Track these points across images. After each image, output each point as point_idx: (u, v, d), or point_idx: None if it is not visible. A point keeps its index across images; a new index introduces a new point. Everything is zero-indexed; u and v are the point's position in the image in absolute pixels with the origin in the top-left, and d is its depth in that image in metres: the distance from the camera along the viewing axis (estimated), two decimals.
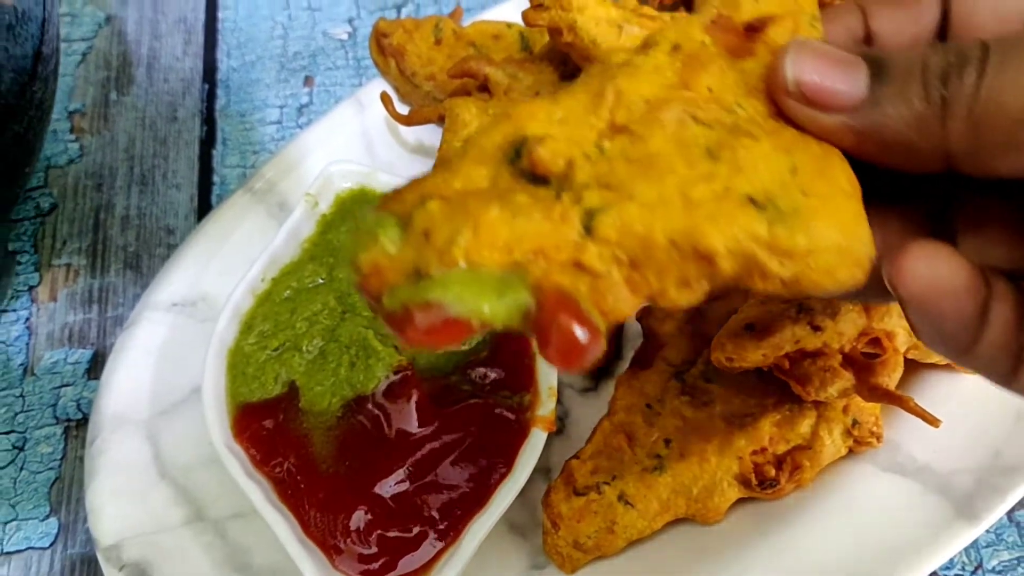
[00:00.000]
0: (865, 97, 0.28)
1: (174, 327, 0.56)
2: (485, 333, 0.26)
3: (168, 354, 0.55)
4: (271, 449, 0.49)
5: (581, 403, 0.53)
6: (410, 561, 0.46)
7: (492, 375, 0.50)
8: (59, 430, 0.57)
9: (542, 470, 0.49)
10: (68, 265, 0.64)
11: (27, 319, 0.61)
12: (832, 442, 0.46)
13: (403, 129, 0.63)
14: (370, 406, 0.49)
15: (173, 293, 0.57)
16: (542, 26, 0.48)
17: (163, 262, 0.59)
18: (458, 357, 0.51)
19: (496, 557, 0.48)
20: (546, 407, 0.48)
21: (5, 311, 0.62)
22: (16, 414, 0.58)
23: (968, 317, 0.28)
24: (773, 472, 0.46)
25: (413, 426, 0.48)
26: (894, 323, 0.44)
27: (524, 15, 0.49)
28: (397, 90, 0.62)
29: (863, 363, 0.44)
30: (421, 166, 0.61)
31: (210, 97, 0.71)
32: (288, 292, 0.54)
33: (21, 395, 0.58)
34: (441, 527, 0.46)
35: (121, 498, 0.50)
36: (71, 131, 0.69)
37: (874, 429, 0.46)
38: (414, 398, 0.49)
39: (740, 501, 0.47)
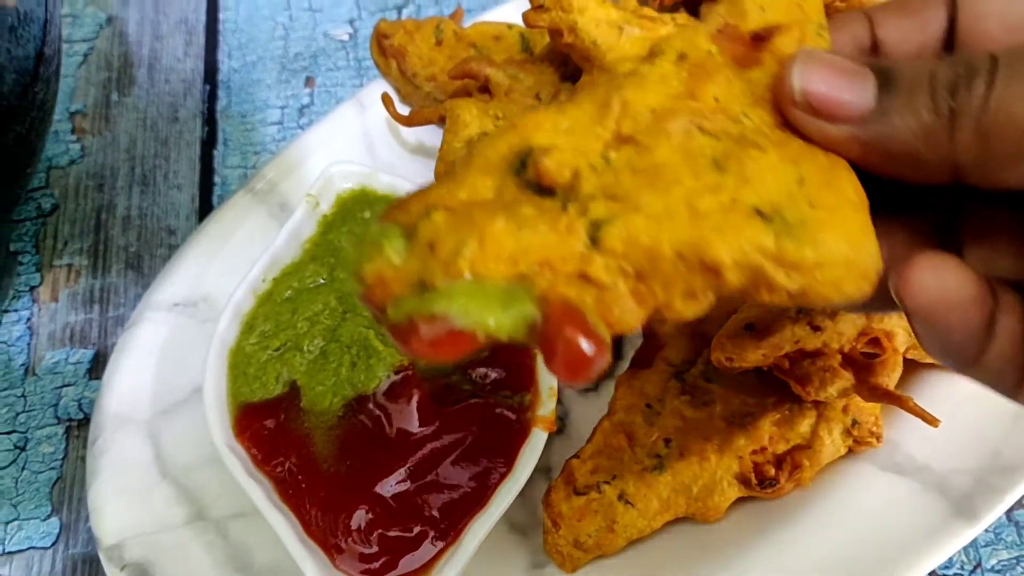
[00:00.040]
0: (873, 108, 0.27)
1: (175, 327, 0.56)
2: (490, 345, 0.26)
3: (169, 354, 0.55)
4: (272, 449, 0.49)
5: (581, 403, 0.53)
6: (411, 560, 0.46)
7: (493, 375, 0.50)
8: (60, 430, 0.57)
9: (542, 470, 0.49)
10: (69, 265, 0.64)
11: (28, 319, 0.61)
12: (832, 442, 0.46)
13: (404, 130, 0.62)
14: (371, 406, 0.49)
15: (174, 293, 0.57)
16: (542, 27, 0.48)
17: (164, 262, 0.59)
18: None
19: (497, 556, 0.48)
20: (547, 407, 0.49)
21: (7, 311, 0.62)
22: (18, 414, 0.58)
23: (975, 329, 0.27)
24: (773, 471, 0.46)
25: (414, 426, 0.48)
26: (893, 323, 0.44)
27: (524, 16, 0.49)
28: (398, 91, 0.62)
29: (863, 363, 0.44)
30: (422, 167, 0.61)
31: (211, 98, 0.71)
32: (289, 292, 0.54)
33: (23, 395, 0.58)
34: (442, 526, 0.46)
35: (123, 498, 0.50)
36: (72, 132, 0.69)
37: (874, 429, 0.46)
38: (415, 398, 0.49)
39: (740, 500, 0.47)
